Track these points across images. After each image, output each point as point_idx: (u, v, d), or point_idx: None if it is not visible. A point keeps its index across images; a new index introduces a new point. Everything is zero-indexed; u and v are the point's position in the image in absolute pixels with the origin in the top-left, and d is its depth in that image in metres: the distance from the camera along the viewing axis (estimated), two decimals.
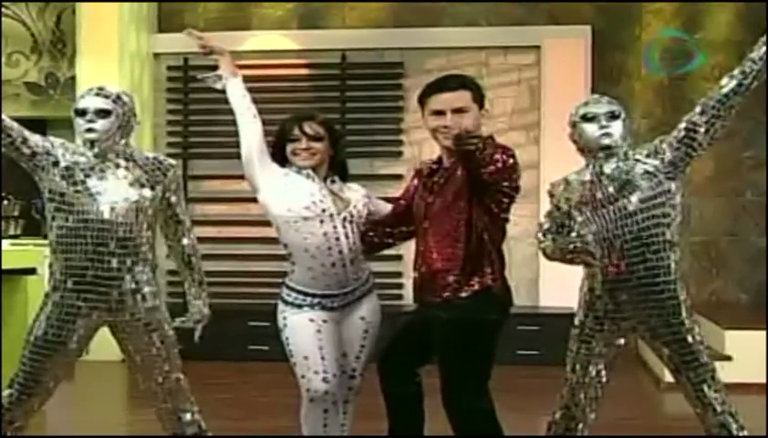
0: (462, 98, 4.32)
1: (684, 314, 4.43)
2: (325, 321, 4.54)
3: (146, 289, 4.54)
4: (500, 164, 4.04)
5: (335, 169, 4.70)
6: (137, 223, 4.46)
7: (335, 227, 4.50)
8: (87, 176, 4.41)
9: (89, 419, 6.73)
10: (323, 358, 4.46)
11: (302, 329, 4.52)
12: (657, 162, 4.46)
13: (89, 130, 4.41)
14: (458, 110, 4.29)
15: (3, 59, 10.06)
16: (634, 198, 4.41)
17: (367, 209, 4.68)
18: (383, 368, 4.66)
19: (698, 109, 4.45)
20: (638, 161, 4.49)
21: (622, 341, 4.65)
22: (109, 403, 7.51)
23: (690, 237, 9.18)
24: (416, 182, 4.64)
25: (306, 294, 4.57)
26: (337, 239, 4.51)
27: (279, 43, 9.68)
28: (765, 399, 6.65)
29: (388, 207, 4.82)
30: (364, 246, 4.67)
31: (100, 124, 4.41)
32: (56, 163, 4.41)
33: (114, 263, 4.41)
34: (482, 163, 3.96)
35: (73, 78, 9.35)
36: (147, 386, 4.72)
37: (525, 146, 9.22)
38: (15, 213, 9.85)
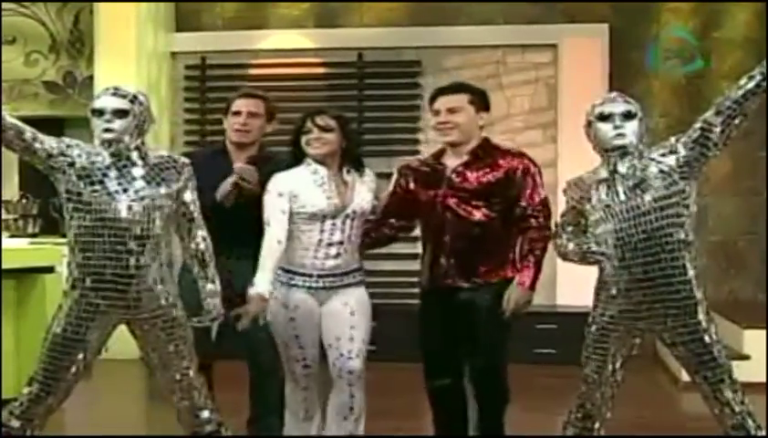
0: (457, 99, 4.96)
1: (701, 314, 4.41)
2: (297, 307, 4.84)
3: (162, 287, 4.56)
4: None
5: (349, 160, 4.96)
6: (153, 221, 4.48)
7: (335, 224, 4.84)
8: (104, 176, 4.43)
9: (108, 417, 6.76)
10: (300, 345, 4.87)
11: (278, 314, 4.85)
12: (672, 162, 4.43)
13: (107, 130, 4.43)
14: (451, 110, 4.93)
15: (21, 59, 10.10)
16: (647, 197, 4.39)
17: (371, 206, 4.98)
18: (427, 364, 5.13)
19: (714, 109, 4.41)
20: (652, 160, 4.46)
21: (638, 341, 4.64)
22: (127, 401, 7.55)
23: (708, 237, 9.16)
24: (409, 179, 5.13)
25: (288, 270, 4.87)
26: (329, 232, 4.85)
27: (296, 42, 9.70)
28: None
29: None
30: (368, 244, 5.12)
31: (118, 124, 4.43)
32: (71, 164, 4.43)
33: (132, 261, 4.43)
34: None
35: (91, 78, 9.39)
36: (165, 384, 4.74)
37: (542, 145, 9.21)
38: (34, 212, 9.89)
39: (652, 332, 4.59)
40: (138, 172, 4.50)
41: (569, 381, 4.85)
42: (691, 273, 4.42)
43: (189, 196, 4.66)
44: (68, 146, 4.48)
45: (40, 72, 10.13)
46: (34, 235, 9.67)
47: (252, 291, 4.63)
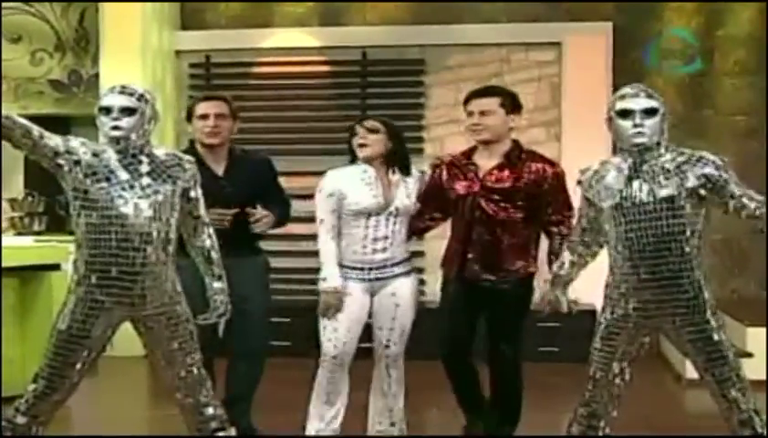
0: (489, 102, 5.36)
1: (709, 313, 4.43)
2: (351, 295, 5.36)
3: (167, 284, 4.58)
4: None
5: (396, 162, 5.46)
6: (159, 218, 4.50)
7: (379, 220, 5.35)
8: (110, 173, 4.45)
9: (113, 414, 6.77)
10: (336, 328, 5.34)
11: (330, 304, 5.35)
12: (687, 170, 4.42)
13: (115, 128, 4.47)
14: (483, 112, 5.33)
15: (27, 57, 10.12)
16: (661, 197, 4.40)
17: (412, 202, 5.47)
18: (446, 344, 5.61)
19: (729, 190, 4.42)
20: (672, 160, 4.45)
21: (646, 340, 4.65)
22: (133, 399, 7.56)
23: (712, 235, 9.11)
24: (443, 174, 5.54)
25: (341, 265, 5.38)
26: (377, 228, 5.36)
27: (300, 40, 9.70)
28: None
29: None
30: (412, 232, 5.61)
31: (126, 122, 4.47)
32: (77, 162, 4.45)
33: (138, 258, 4.45)
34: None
35: (96, 76, 9.39)
36: (169, 381, 4.76)
37: (546, 143, 9.20)
38: (40, 210, 9.91)
39: (660, 331, 4.60)
40: (144, 169, 4.53)
41: (572, 379, 4.88)
42: (699, 273, 4.44)
43: (194, 194, 4.69)
44: (75, 144, 4.50)
45: (46, 71, 10.14)
46: (39, 233, 9.68)
47: (325, 285, 5.31)
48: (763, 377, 7.32)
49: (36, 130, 4.41)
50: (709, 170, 4.41)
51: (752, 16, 9.27)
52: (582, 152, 8.92)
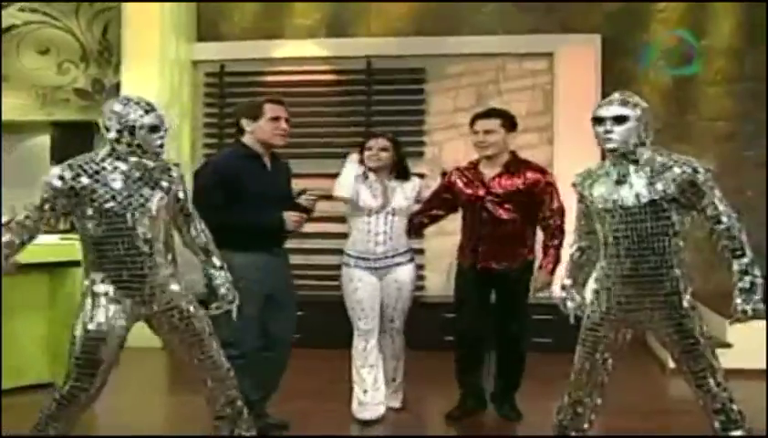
0: (492, 123, 6.04)
1: (686, 308, 4.45)
2: (360, 280, 6.10)
3: (173, 283, 4.64)
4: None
5: (397, 171, 6.18)
6: (159, 223, 4.53)
7: (377, 218, 6.09)
8: (108, 186, 4.46)
9: (134, 404, 6.74)
10: (362, 309, 6.12)
11: (347, 286, 6.15)
12: (669, 176, 4.43)
13: (161, 144, 4.56)
14: (487, 131, 6.00)
15: (54, 68, 10.15)
16: (643, 202, 4.42)
17: (409, 203, 6.20)
18: (461, 323, 6.22)
19: (709, 199, 4.47)
20: (659, 164, 4.46)
21: (629, 335, 4.65)
22: (152, 388, 7.53)
23: (695, 232, 9.11)
24: (455, 181, 6.18)
25: (350, 255, 6.16)
26: (376, 225, 6.09)
27: (309, 50, 9.70)
28: (765, 384, 6.61)
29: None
30: (413, 227, 6.29)
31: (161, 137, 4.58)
32: (77, 191, 4.46)
33: (145, 262, 4.49)
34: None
35: (118, 85, 9.40)
36: (194, 371, 4.77)
37: (539, 146, 9.21)
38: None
39: (642, 324, 4.59)
40: (136, 175, 4.53)
41: (564, 368, 4.86)
42: (678, 272, 4.48)
43: (182, 194, 4.73)
44: (67, 176, 4.47)
45: (71, 80, 10.16)
46: (65, 231, 9.66)
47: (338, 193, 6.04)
48: (743, 366, 7.35)
49: (37, 213, 4.49)
50: (693, 176, 4.42)
51: (732, 29, 9.27)
52: (573, 156, 8.95)
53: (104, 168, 4.50)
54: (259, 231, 5.42)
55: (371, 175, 6.12)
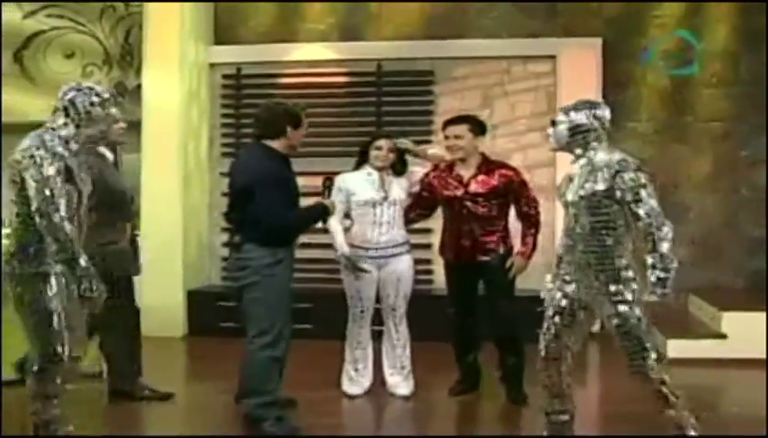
0: (460, 129, 6.33)
1: (627, 297, 4.60)
2: (363, 270, 6.31)
3: None
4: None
5: (395, 167, 6.45)
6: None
7: (382, 208, 6.33)
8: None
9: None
10: (360, 297, 6.40)
11: (347, 276, 6.41)
12: (601, 177, 4.64)
13: None
14: (456, 136, 6.31)
15: (79, 71, 10.21)
16: (580, 197, 4.66)
17: (405, 194, 6.44)
18: (455, 310, 6.52)
19: (632, 200, 4.58)
20: (599, 162, 4.68)
21: (586, 321, 4.87)
22: (171, 377, 7.55)
23: (691, 229, 9.17)
24: (432, 182, 6.46)
25: (352, 245, 6.35)
26: (380, 215, 6.33)
27: (322, 54, 9.74)
28: (766, 374, 6.63)
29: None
30: (407, 221, 6.53)
31: None
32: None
33: None
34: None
35: (139, 87, 9.45)
36: None
37: (542, 146, 9.19)
38: None
39: (590, 309, 4.79)
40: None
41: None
42: (620, 262, 4.62)
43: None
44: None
45: (95, 82, 10.18)
46: None
47: (342, 252, 6.30)
48: (737, 356, 7.40)
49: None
50: (623, 174, 4.57)
51: (728, 33, 9.29)
52: None
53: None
54: (310, 224, 5.88)
55: (373, 172, 6.38)
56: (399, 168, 6.47)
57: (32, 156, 4.47)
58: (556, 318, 4.83)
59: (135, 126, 8.93)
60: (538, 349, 4.92)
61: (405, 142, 6.63)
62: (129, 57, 10.12)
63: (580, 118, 4.75)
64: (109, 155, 6.15)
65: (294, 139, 5.60)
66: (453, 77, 9.55)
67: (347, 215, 6.45)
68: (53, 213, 4.43)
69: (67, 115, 4.66)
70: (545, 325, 4.89)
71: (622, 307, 4.59)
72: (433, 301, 8.41)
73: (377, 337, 6.60)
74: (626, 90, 9.25)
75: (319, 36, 9.86)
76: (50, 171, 4.46)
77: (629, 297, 4.59)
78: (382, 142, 6.40)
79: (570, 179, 4.80)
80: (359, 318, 6.45)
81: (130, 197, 6.33)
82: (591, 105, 4.81)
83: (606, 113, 4.79)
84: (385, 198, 6.33)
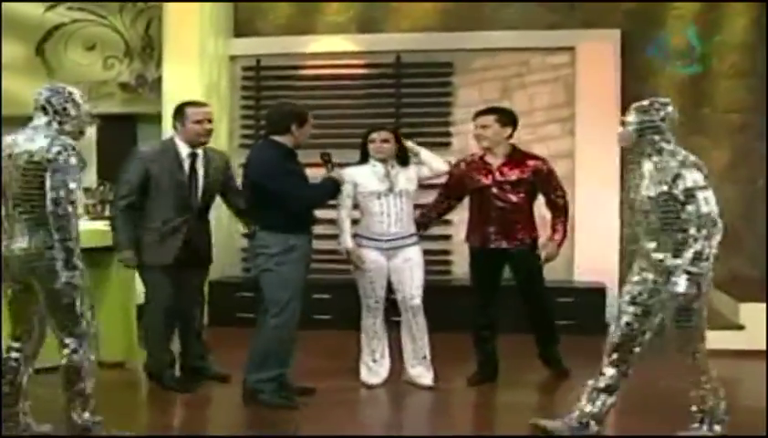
0: (487, 119, 6.55)
1: (686, 282, 4.63)
2: (372, 262, 6.36)
3: None
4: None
5: (399, 158, 6.48)
6: None
7: (388, 200, 6.36)
8: None
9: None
10: (373, 289, 6.42)
11: (358, 268, 6.42)
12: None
13: None
14: (483, 126, 6.52)
15: (100, 63, 10.27)
16: (650, 196, 4.82)
17: (414, 184, 6.46)
18: (479, 298, 6.64)
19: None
20: (662, 163, 4.84)
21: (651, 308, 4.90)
22: None
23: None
24: (462, 171, 6.65)
25: (363, 237, 6.43)
26: (387, 206, 6.36)
27: (341, 45, 9.75)
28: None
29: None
30: (421, 224, 6.72)
31: None
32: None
33: None
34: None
35: (159, 79, 9.48)
36: None
37: (561, 137, 9.25)
38: (110, 198, 9.95)
39: (657, 300, 4.86)
40: None
41: (583, 348, 4.92)
42: (686, 256, 4.65)
43: None
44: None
45: (116, 74, 10.25)
46: (110, 218, 9.74)
47: (345, 246, 6.39)
48: (755, 347, 7.37)
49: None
50: (684, 174, 4.71)
51: (746, 25, 9.23)
52: (593, 146, 8.99)
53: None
54: (326, 198, 6.23)
55: (378, 164, 6.42)
56: (402, 157, 6.50)
57: (59, 152, 4.65)
58: (629, 308, 4.89)
59: (155, 118, 8.97)
60: (609, 334, 4.98)
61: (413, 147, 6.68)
62: (149, 49, 10.15)
63: (649, 118, 4.86)
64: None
65: (299, 136, 6.05)
66: (472, 68, 9.54)
67: (356, 207, 6.49)
68: (69, 204, 4.64)
69: (46, 113, 4.83)
70: (618, 314, 4.96)
71: (682, 300, 4.64)
72: (451, 292, 8.44)
73: (395, 328, 6.60)
74: (644, 82, 9.21)
75: (338, 28, 9.86)
76: (72, 161, 4.68)
77: (694, 290, 4.62)
78: (374, 134, 6.45)
79: (638, 177, 4.88)
80: (373, 310, 6.48)
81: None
82: (661, 105, 4.93)
83: (674, 114, 4.92)
84: (390, 189, 6.36)
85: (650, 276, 4.81)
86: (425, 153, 6.62)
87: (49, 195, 4.60)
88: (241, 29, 9.99)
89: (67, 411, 4.78)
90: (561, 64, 9.41)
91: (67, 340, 4.74)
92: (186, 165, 6.36)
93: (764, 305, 7.72)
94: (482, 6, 9.61)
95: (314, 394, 6.17)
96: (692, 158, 4.75)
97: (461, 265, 9.30)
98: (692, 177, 4.67)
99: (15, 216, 4.74)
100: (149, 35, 10.15)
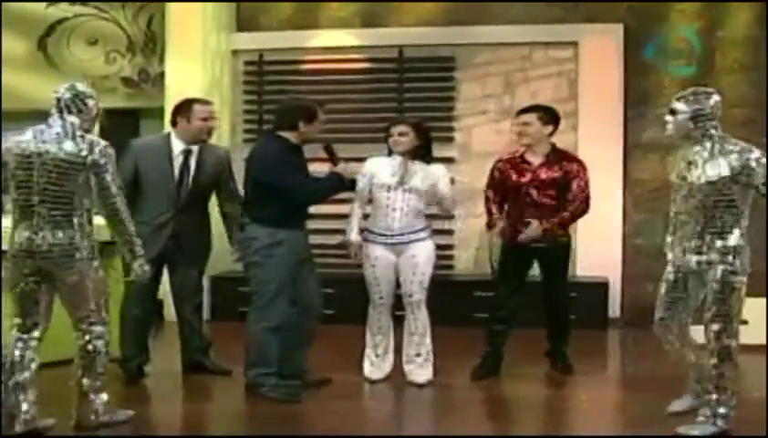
0: (529, 116, 6.59)
1: (733, 261, 5.14)
2: (377, 258, 6.32)
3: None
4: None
5: (420, 154, 6.37)
6: None
7: (396, 194, 6.28)
8: None
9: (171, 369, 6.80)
10: (378, 285, 6.37)
11: (365, 262, 6.39)
12: None
13: None
14: (525, 124, 6.56)
15: (102, 58, 10.25)
16: (708, 180, 5.00)
17: (427, 185, 6.30)
18: (502, 292, 6.68)
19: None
20: (716, 149, 5.05)
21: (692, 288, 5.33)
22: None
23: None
24: (504, 168, 6.64)
25: (371, 231, 6.37)
26: (393, 200, 6.27)
27: (343, 40, 9.73)
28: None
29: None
30: (487, 210, 6.73)
31: None
32: None
33: None
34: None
35: (162, 74, 9.47)
36: None
37: (564, 132, 9.07)
38: None
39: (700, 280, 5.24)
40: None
41: (586, 343, 4.91)
42: (735, 237, 5.12)
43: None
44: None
45: (118, 69, 10.24)
46: None
47: (349, 238, 6.42)
48: (758, 342, 7.35)
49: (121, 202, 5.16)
50: (752, 157, 4.98)
51: (749, 20, 9.18)
52: (596, 141, 8.97)
53: None
54: (329, 192, 6.14)
55: (397, 158, 6.33)
56: (423, 154, 6.40)
57: (102, 153, 5.07)
58: (669, 289, 5.23)
59: (157, 112, 8.95)
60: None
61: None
62: (151, 44, 10.14)
63: (701, 106, 5.03)
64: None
65: (306, 132, 6.02)
66: (475, 63, 9.52)
67: (370, 201, 6.45)
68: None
69: (70, 112, 5.16)
70: (661, 296, 5.29)
71: (731, 277, 5.08)
72: (454, 287, 8.42)
73: (400, 323, 6.58)
74: (647, 78, 9.18)
75: (341, 23, 9.84)
76: (114, 157, 5.18)
77: (739, 268, 5.04)
78: (393, 129, 6.37)
79: (689, 163, 5.05)
80: (379, 305, 6.42)
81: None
82: (707, 93, 5.11)
83: (720, 101, 5.12)
84: (400, 183, 6.27)
85: (695, 258, 5.10)
86: (446, 190, 6.43)
87: (112, 190, 5.03)
88: (243, 24, 9.98)
89: (85, 395, 5.00)
90: (564, 59, 9.39)
91: (94, 328, 5.00)
92: (178, 161, 6.37)
93: (765, 300, 7.70)
94: (485, 0, 9.58)
95: (330, 383, 6.33)
96: (742, 143, 5.03)
97: (463, 259, 9.30)
98: (754, 156, 4.94)
99: (41, 213, 4.90)
100: (151, 29, 10.13)
